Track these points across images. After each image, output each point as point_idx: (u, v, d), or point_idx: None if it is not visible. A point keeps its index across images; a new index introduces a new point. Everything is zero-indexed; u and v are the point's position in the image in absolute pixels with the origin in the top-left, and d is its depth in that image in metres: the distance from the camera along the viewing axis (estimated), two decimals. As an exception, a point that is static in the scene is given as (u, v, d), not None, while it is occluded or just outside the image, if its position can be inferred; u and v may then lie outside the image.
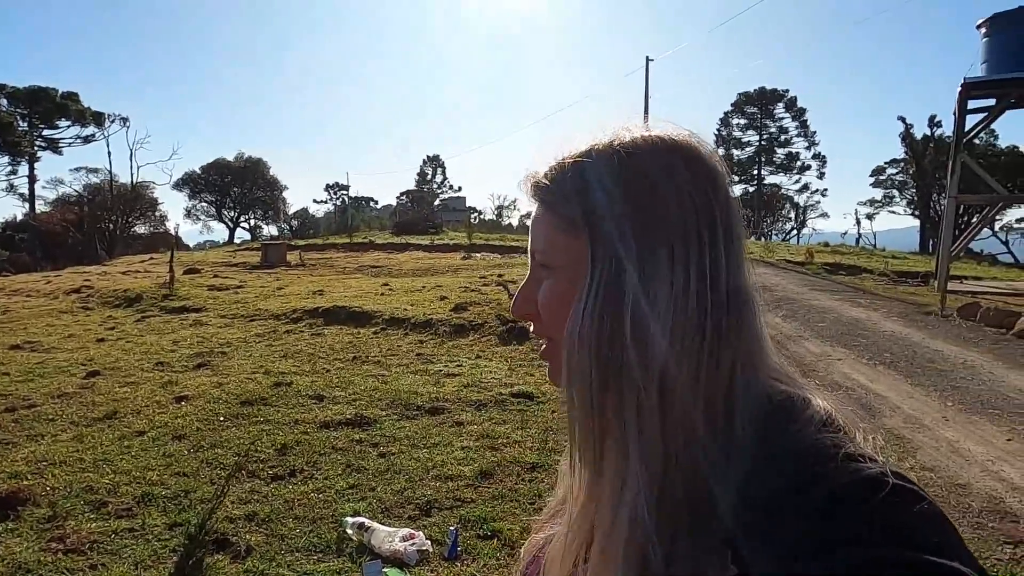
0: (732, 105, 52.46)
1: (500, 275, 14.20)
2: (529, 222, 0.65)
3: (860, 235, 43.08)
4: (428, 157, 73.71)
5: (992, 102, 15.99)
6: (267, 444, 4.50)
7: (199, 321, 10.00)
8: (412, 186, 73.41)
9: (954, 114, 16.04)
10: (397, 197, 73.69)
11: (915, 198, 44.40)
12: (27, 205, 44.31)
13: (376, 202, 76.70)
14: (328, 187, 69.47)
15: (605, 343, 0.55)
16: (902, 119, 43.43)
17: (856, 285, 14.66)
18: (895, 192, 46.94)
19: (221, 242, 50.21)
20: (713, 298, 0.55)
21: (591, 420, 0.57)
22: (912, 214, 45.44)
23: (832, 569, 0.43)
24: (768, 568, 0.46)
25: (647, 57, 30.80)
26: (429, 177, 73.64)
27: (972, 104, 15.86)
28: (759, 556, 0.46)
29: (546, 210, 0.62)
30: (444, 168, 74.04)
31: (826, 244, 30.75)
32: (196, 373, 6.66)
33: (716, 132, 53.43)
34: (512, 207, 75.92)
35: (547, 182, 0.61)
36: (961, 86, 15.45)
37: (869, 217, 47.20)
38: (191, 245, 47.56)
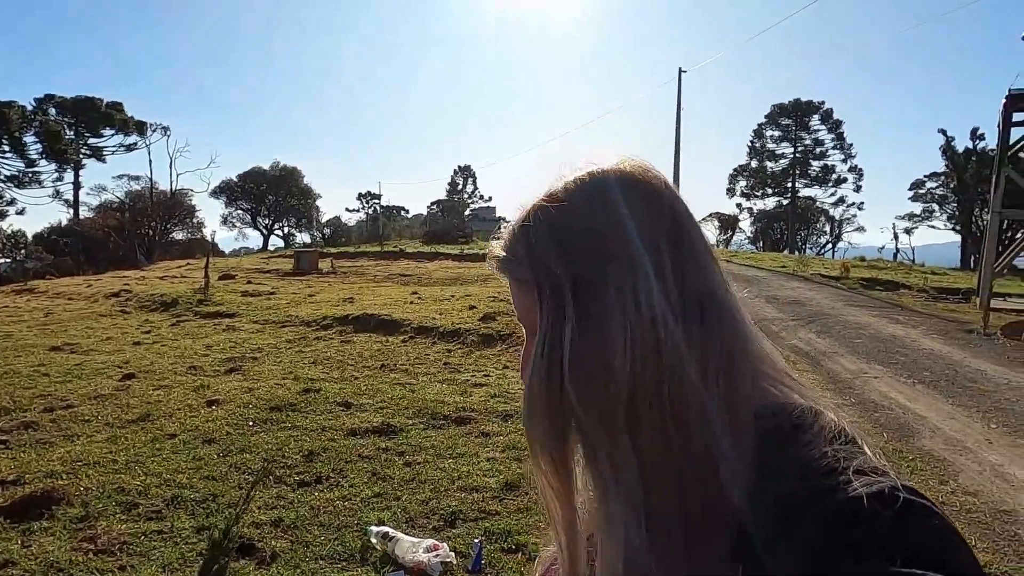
0: (766, 117, 51.84)
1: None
2: None
3: (898, 250, 42.04)
4: (459, 167, 74.24)
5: (1038, 114, 15.51)
6: (294, 450, 4.53)
7: (232, 326, 10.17)
8: (443, 196, 73.93)
9: (998, 126, 15.60)
10: (428, 206, 74.29)
11: (956, 212, 43.25)
12: (71, 211, 45.82)
13: (407, 211, 77.40)
14: (360, 196, 70.36)
15: (555, 394, 0.56)
16: (943, 132, 42.44)
17: (894, 301, 14.29)
18: (935, 206, 45.78)
19: (255, 249, 51.25)
20: (669, 314, 0.55)
21: (554, 472, 0.61)
22: (953, 229, 44.25)
23: None
24: None
25: (679, 68, 30.70)
26: (460, 187, 74.14)
27: (1017, 116, 15.42)
28: (766, 572, 0.46)
29: (510, 280, 0.63)
30: (475, 178, 74.46)
31: (862, 259, 30.06)
32: (228, 378, 6.75)
33: (749, 144, 52.82)
34: (542, 217, 75.73)
35: (503, 252, 0.63)
36: (1006, 98, 15.05)
37: (908, 232, 46.10)
38: (226, 251, 48.64)
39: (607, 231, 0.57)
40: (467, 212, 70.83)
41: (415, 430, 4.99)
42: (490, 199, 75.46)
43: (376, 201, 68.57)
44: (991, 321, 10.40)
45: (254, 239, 57.40)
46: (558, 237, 0.59)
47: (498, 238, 0.66)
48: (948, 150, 42.11)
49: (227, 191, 55.06)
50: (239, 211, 56.40)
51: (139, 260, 32.79)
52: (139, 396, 5.99)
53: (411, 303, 11.80)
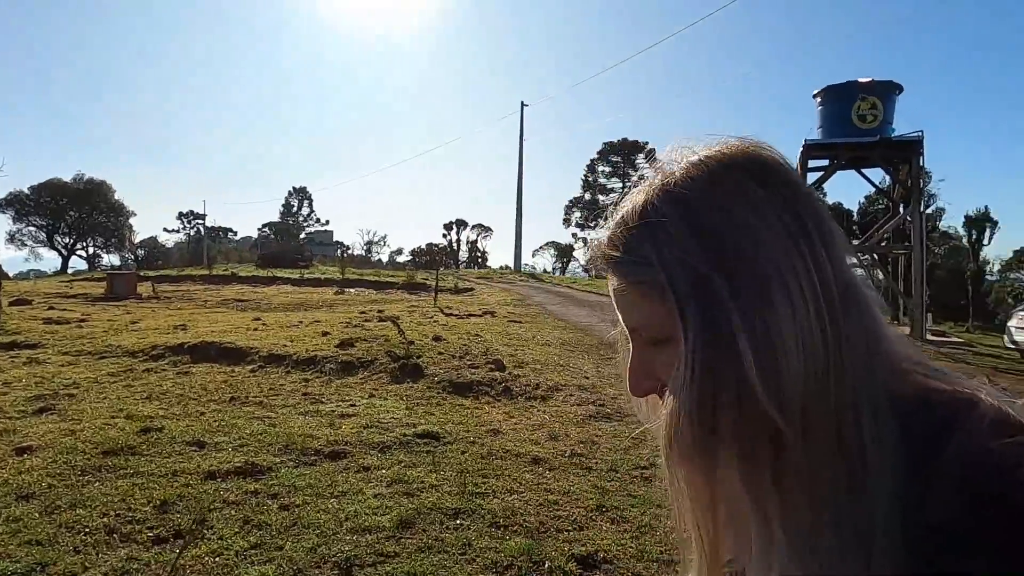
0: (598, 153, 55.57)
1: (380, 311, 13.75)
2: (611, 292, 0.59)
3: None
4: (294, 188, 71.42)
5: (826, 162, 18.09)
6: (142, 501, 3.86)
7: (35, 359, 8.67)
8: (276, 218, 70.46)
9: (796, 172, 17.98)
10: (259, 229, 70.38)
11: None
12: None
13: (235, 233, 72.61)
14: (181, 215, 65.01)
15: (708, 413, 0.50)
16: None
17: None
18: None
19: (51, 271, 44.95)
20: (828, 308, 0.50)
21: (703, 497, 0.57)
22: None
23: None
24: None
25: (522, 102, 32.01)
26: (295, 209, 71.09)
27: (812, 163, 17.86)
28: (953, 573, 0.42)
29: (628, 283, 0.56)
30: (311, 201, 71.86)
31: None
32: (39, 419, 5.69)
33: (583, 178, 56.17)
34: (382, 243, 74.82)
35: (618, 252, 0.56)
36: (803, 147, 17.38)
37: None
38: (11, 274, 42.10)
39: (754, 220, 0.51)
40: (303, 235, 68.07)
41: (285, 468, 4.50)
42: (327, 223, 73.06)
43: (200, 221, 63.70)
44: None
45: (49, 261, 50.48)
46: (698, 233, 0.51)
47: (598, 238, 0.59)
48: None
49: (16, 204, 47.98)
50: (31, 228, 49.35)
51: None
52: (-83, 447, 4.83)
53: (255, 330, 10.88)
